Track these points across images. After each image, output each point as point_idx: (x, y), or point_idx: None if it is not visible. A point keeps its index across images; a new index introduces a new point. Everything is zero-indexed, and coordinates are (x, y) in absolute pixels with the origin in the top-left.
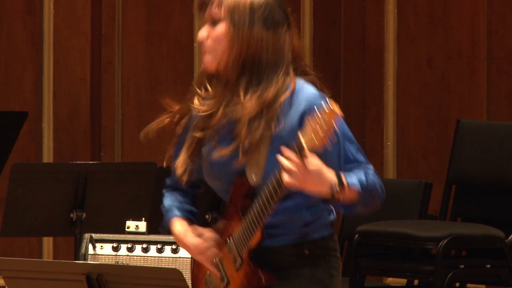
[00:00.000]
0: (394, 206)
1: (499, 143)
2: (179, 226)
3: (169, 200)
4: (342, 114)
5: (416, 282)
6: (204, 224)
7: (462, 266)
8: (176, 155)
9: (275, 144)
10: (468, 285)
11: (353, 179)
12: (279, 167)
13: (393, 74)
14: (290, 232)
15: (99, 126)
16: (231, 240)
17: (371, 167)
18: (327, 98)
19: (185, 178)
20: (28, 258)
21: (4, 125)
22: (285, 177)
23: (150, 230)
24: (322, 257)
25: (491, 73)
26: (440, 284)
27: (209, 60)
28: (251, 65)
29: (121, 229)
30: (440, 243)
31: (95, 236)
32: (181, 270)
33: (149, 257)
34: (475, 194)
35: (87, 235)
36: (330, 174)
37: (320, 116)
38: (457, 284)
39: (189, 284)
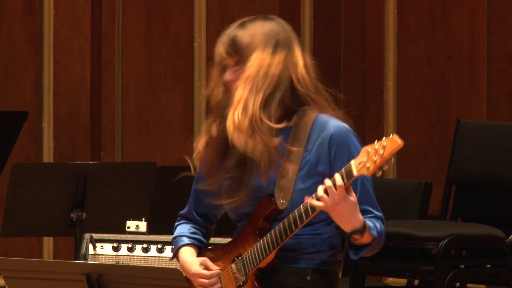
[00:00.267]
0: (394, 206)
1: (499, 143)
2: (187, 254)
3: (179, 230)
4: (402, 143)
5: (416, 282)
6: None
7: (462, 266)
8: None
9: (304, 169)
10: (468, 285)
11: (372, 226)
12: (314, 193)
13: (393, 74)
14: (300, 257)
15: (99, 126)
16: (240, 259)
17: (381, 214)
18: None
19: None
20: (28, 258)
21: (4, 125)
22: (322, 195)
23: (150, 230)
24: (322, 287)
25: (491, 73)
26: (440, 284)
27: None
28: (265, 91)
29: (121, 229)
30: (440, 243)
31: (95, 236)
32: (181, 270)
33: (150, 257)
34: (475, 194)
35: (87, 235)
36: (360, 216)
37: (378, 143)
38: (457, 284)
39: None
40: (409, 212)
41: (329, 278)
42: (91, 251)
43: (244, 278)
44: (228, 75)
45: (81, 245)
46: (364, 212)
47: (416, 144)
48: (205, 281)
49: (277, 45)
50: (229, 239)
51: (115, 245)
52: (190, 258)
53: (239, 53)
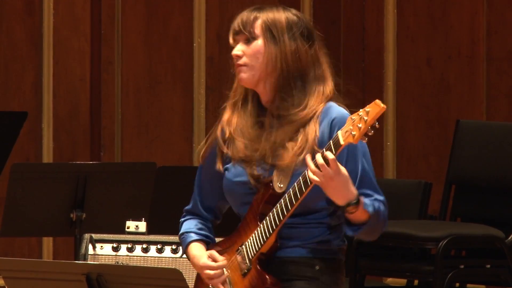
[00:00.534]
0: (394, 206)
1: (499, 143)
2: (196, 249)
3: (186, 226)
4: (384, 106)
5: (416, 282)
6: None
7: (462, 266)
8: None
9: (303, 153)
10: (468, 285)
11: (369, 203)
12: (306, 170)
13: (392, 74)
14: (304, 246)
15: (99, 126)
16: (243, 247)
17: (383, 198)
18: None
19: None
20: (28, 258)
21: (3, 125)
22: (313, 170)
23: (150, 230)
24: (330, 276)
25: (491, 73)
26: (440, 284)
27: (247, 77)
28: (290, 81)
29: (121, 229)
30: (440, 243)
31: (95, 236)
32: (181, 270)
33: (149, 257)
34: (474, 194)
35: (87, 235)
36: (353, 188)
37: (362, 110)
38: (457, 284)
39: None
40: (408, 212)
41: (336, 266)
42: (90, 251)
43: (248, 264)
44: (236, 51)
45: (80, 245)
46: (364, 196)
47: (415, 144)
48: (211, 272)
49: (300, 33)
50: None
51: (114, 245)
52: (199, 253)
53: (250, 30)
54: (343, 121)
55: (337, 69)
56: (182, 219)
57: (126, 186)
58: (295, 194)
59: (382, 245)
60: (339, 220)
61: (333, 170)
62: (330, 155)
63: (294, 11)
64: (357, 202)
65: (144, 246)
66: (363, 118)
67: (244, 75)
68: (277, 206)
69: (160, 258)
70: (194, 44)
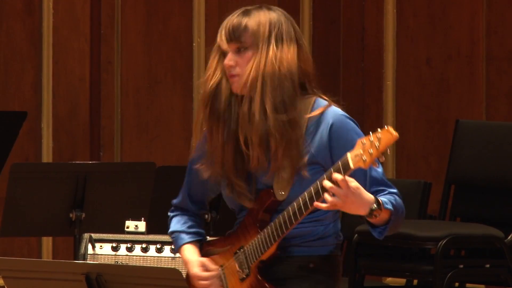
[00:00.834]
0: None
1: (499, 143)
2: (189, 253)
3: (175, 225)
4: (397, 135)
5: (415, 282)
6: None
7: (461, 266)
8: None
9: (306, 161)
10: (467, 285)
11: (387, 201)
12: (312, 185)
13: (392, 74)
14: (300, 244)
15: (98, 126)
16: (242, 251)
17: (395, 190)
18: (358, 125)
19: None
20: (27, 258)
21: (3, 125)
22: (328, 197)
23: (150, 230)
24: (325, 273)
25: (491, 73)
26: (439, 284)
27: (240, 86)
28: (270, 84)
29: (121, 229)
30: (440, 243)
31: (94, 236)
32: (180, 270)
33: (149, 257)
34: (474, 194)
35: (86, 235)
36: (368, 195)
37: (373, 135)
38: (456, 284)
39: None
40: (408, 212)
41: (331, 262)
42: (90, 251)
43: (247, 271)
44: (228, 61)
45: (80, 245)
46: (376, 192)
47: (415, 144)
48: (203, 282)
49: (282, 35)
50: None
51: (114, 245)
52: (191, 258)
53: (241, 40)
54: (342, 126)
55: (336, 69)
56: (171, 214)
57: (126, 186)
58: (299, 209)
59: (382, 245)
60: (335, 216)
61: (344, 189)
62: (339, 177)
63: (279, 11)
64: (378, 205)
65: (144, 245)
66: (375, 145)
67: (237, 84)
68: (280, 217)
69: (159, 258)
70: (194, 44)
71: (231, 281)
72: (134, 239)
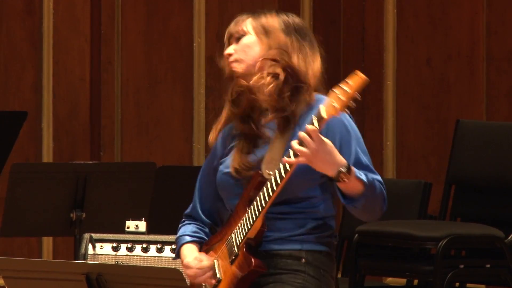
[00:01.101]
0: (393, 206)
1: (499, 143)
2: (186, 249)
3: (182, 230)
4: (367, 78)
5: (415, 282)
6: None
7: (461, 266)
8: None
9: (292, 141)
10: (468, 285)
11: (362, 173)
12: (289, 153)
13: (392, 74)
14: (292, 238)
15: (99, 126)
16: (232, 235)
17: (378, 177)
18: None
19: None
20: (27, 258)
21: (3, 125)
22: (297, 146)
23: (150, 230)
24: (317, 269)
25: (491, 73)
26: (439, 284)
27: (239, 66)
28: (287, 73)
29: (121, 229)
30: (440, 243)
31: (94, 236)
32: (181, 270)
33: (149, 257)
34: (474, 194)
35: (86, 235)
36: (340, 157)
37: (345, 82)
38: (457, 284)
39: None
40: (408, 212)
41: (324, 259)
42: (90, 251)
43: (236, 251)
44: (229, 50)
45: (80, 245)
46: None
47: (415, 144)
48: (192, 270)
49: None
50: None
51: (114, 245)
52: (186, 252)
53: (240, 30)
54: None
55: (336, 69)
56: (180, 225)
57: (126, 186)
58: (279, 174)
59: (382, 245)
60: (329, 211)
61: (316, 141)
62: (311, 127)
63: (290, 14)
64: (348, 169)
65: (144, 245)
66: (345, 89)
67: (235, 69)
68: (263, 189)
69: (160, 258)
70: (194, 44)
71: (223, 266)
72: (135, 239)
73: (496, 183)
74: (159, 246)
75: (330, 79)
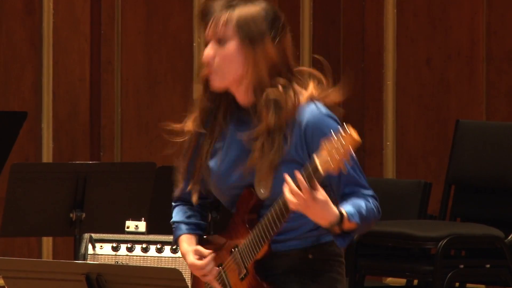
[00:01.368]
0: (393, 206)
1: (498, 143)
2: (185, 244)
3: (177, 216)
4: (360, 140)
5: (415, 282)
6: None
7: (461, 266)
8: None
9: (283, 159)
10: (468, 285)
11: (353, 212)
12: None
13: (392, 74)
14: (296, 237)
15: (99, 126)
16: (236, 250)
17: (370, 192)
18: (339, 123)
19: (194, 196)
20: (27, 258)
21: (3, 125)
22: (290, 198)
23: (150, 230)
24: (326, 262)
25: (490, 73)
26: (439, 284)
27: (219, 80)
28: (264, 82)
29: (121, 229)
30: (440, 243)
31: (94, 236)
32: (181, 270)
33: (149, 257)
34: (474, 194)
35: (86, 235)
36: (333, 209)
37: (337, 139)
38: (457, 284)
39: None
40: (408, 212)
41: (330, 249)
42: (90, 251)
43: (245, 270)
44: (210, 50)
45: (80, 245)
46: (350, 194)
47: (415, 144)
48: (201, 271)
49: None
50: None
51: (114, 245)
52: (186, 249)
53: (221, 32)
54: (317, 125)
55: (336, 69)
56: (174, 205)
57: (126, 186)
58: (281, 211)
59: (382, 245)
60: None
61: (307, 198)
62: (303, 185)
63: (263, 2)
64: (341, 222)
65: (144, 246)
66: (339, 149)
67: (214, 83)
68: (268, 216)
69: (159, 258)
70: (194, 44)
71: (233, 279)
72: (134, 239)
73: (496, 183)
74: (158, 246)
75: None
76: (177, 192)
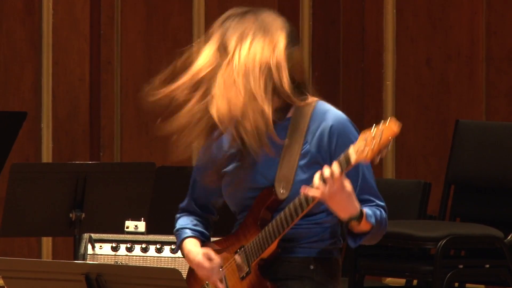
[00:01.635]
0: (393, 206)
1: (498, 143)
2: (191, 245)
3: (181, 222)
4: (398, 131)
5: (415, 282)
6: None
7: (461, 266)
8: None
9: (305, 160)
10: (467, 285)
11: (371, 213)
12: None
13: (392, 74)
14: (300, 246)
15: (98, 126)
16: (242, 250)
17: (383, 203)
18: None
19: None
20: (27, 258)
21: (3, 125)
22: (319, 185)
23: (149, 230)
24: (324, 275)
25: (490, 73)
26: (439, 284)
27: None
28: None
29: (120, 229)
30: (439, 243)
31: (94, 236)
32: (180, 270)
33: (148, 257)
34: (474, 194)
35: (86, 235)
36: (356, 203)
37: (377, 129)
38: (456, 284)
39: None
40: (408, 212)
41: (331, 265)
42: (90, 251)
43: (248, 269)
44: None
45: (80, 245)
46: (365, 201)
47: (415, 144)
48: (208, 272)
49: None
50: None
51: (114, 245)
52: (194, 249)
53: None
54: (343, 129)
55: (336, 70)
56: (178, 216)
57: (126, 186)
58: (300, 205)
59: (382, 245)
60: (336, 218)
61: (337, 185)
62: (336, 171)
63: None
64: (360, 217)
65: (143, 246)
66: (377, 139)
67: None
68: (281, 215)
69: (159, 258)
70: (194, 44)
71: (231, 280)
72: (134, 239)
73: (495, 183)
74: (158, 246)
75: (330, 79)
76: (184, 203)
